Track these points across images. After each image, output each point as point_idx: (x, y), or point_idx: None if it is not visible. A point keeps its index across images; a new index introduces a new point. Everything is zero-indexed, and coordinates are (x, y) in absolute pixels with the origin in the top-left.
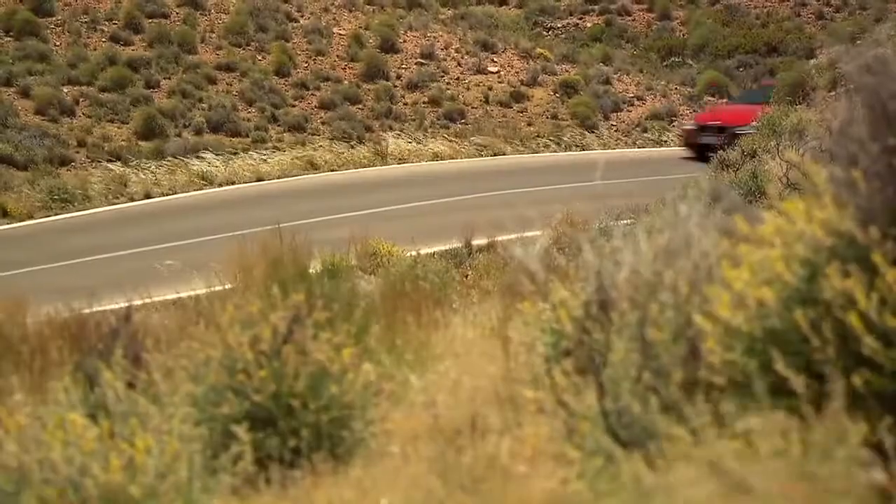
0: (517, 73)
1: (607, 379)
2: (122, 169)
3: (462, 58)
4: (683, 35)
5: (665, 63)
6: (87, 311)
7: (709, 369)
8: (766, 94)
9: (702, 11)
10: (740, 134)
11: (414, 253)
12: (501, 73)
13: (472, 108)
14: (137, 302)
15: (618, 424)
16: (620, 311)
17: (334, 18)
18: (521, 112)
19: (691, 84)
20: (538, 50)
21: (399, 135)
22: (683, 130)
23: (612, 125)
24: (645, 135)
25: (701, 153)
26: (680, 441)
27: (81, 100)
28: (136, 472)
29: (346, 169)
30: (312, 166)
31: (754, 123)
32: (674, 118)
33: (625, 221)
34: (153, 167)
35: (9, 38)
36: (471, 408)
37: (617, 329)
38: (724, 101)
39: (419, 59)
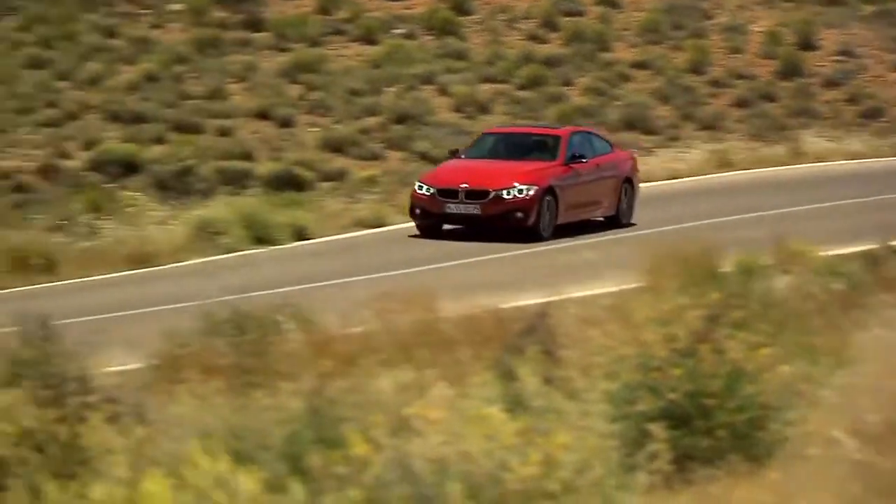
0: None
1: None
2: None
3: (883, 55)
4: None
5: None
6: (502, 306)
7: None
8: (523, 147)
9: None
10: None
11: (828, 253)
12: None
13: (893, 106)
14: (552, 298)
15: None
16: None
17: (751, 15)
18: None
19: None
20: None
21: (815, 133)
22: (415, 196)
23: None
24: None
25: (436, 228)
26: None
27: (498, 97)
28: (553, 468)
29: (761, 167)
30: (726, 164)
31: (523, 187)
32: None
33: None
34: None
35: (430, 37)
36: (892, 412)
37: None
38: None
39: (837, 57)
